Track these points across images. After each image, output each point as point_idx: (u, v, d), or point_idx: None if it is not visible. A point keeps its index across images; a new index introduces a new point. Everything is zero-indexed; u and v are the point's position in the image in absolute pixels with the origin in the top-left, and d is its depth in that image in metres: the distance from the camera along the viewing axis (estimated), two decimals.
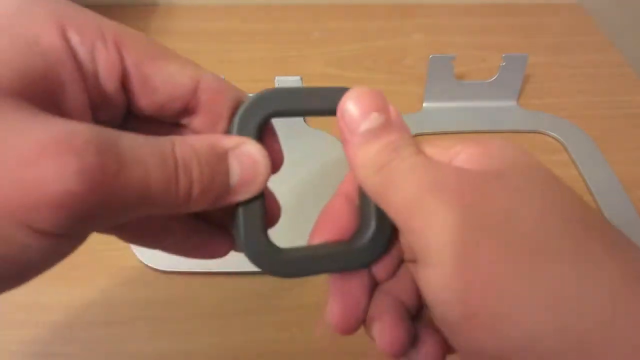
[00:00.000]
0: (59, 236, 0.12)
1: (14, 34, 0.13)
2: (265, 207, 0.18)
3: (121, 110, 0.16)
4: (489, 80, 0.50)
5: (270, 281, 0.37)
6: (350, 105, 0.16)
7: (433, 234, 0.14)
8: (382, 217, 0.17)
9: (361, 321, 0.19)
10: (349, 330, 0.18)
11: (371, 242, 0.18)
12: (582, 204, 0.15)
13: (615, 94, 0.53)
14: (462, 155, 0.16)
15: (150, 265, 0.37)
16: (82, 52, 0.14)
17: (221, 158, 0.15)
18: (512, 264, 0.13)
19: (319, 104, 0.18)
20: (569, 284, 0.13)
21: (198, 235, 0.20)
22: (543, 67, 0.55)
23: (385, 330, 0.18)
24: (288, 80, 0.47)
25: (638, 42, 0.63)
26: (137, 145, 0.13)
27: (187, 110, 0.17)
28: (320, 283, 0.37)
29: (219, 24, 0.62)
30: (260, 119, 0.17)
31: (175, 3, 0.65)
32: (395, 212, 0.15)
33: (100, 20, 0.15)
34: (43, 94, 0.13)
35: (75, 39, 0.14)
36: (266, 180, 0.16)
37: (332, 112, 0.17)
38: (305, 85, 0.47)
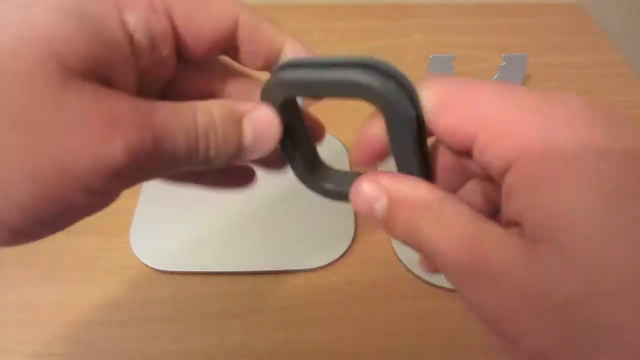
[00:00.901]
0: (103, 194, 0.15)
1: (80, 18, 0.14)
2: (307, 130, 0.20)
3: (173, 64, 0.17)
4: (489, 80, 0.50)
5: (271, 281, 0.37)
6: (356, 210, 0.17)
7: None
8: (424, 165, 0.17)
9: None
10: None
11: None
12: None
13: (615, 94, 0.53)
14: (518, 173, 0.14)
15: (150, 265, 0.37)
16: (139, 33, 0.15)
17: (237, 122, 0.17)
18: None
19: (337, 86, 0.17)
20: None
21: (227, 172, 0.21)
22: (543, 67, 0.55)
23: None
24: None
25: (638, 42, 0.63)
26: (168, 119, 0.15)
27: (230, 47, 0.18)
28: (320, 283, 0.37)
29: None
30: (280, 101, 0.18)
31: None
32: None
33: None
34: (101, 74, 0.14)
35: (132, 21, 0.15)
36: (276, 141, 0.18)
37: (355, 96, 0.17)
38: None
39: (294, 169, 0.20)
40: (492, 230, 0.14)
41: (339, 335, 0.34)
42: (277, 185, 0.43)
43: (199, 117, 0.16)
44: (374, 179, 0.17)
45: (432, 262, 0.15)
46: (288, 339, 0.34)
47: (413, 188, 0.16)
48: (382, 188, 0.16)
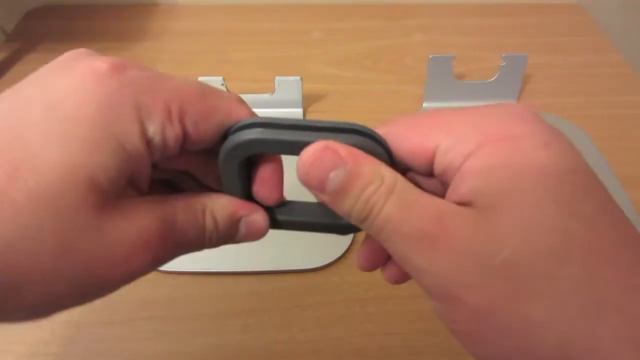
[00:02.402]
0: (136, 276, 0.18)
1: (108, 138, 0.15)
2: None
3: (175, 156, 0.19)
4: (489, 80, 0.50)
5: (271, 281, 0.37)
6: (305, 179, 0.17)
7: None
8: None
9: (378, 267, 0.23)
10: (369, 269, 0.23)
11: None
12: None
13: (615, 94, 0.53)
14: (479, 159, 0.16)
15: None
16: (155, 139, 0.17)
17: (234, 224, 0.20)
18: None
19: (299, 139, 0.17)
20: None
21: None
22: (543, 67, 0.55)
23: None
24: (288, 80, 0.47)
25: (638, 42, 0.63)
26: (185, 224, 0.18)
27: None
28: (320, 283, 0.37)
29: (219, 24, 0.62)
30: (237, 165, 0.18)
31: (175, 3, 0.65)
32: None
33: (167, 94, 0.17)
34: (127, 183, 0.17)
35: (150, 129, 0.16)
36: (261, 237, 0.21)
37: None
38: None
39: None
40: (450, 206, 0.16)
41: (339, 335, 0.34)
42: None
43: (207, 220, 0.19)
44: (332, 148, 0.16)
45: (376, 236, 0.17)
46: (288, 339, 0.34)
47: (374, 166, 0.17)
48: (341, 159, 0.16)
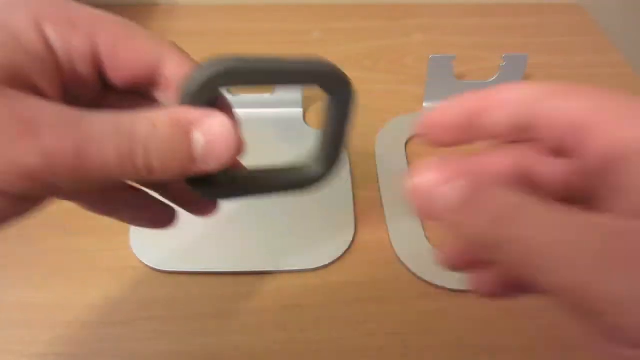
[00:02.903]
0: (20, 198, 0.15)
1: None
2: None
3: (96, 86, 0.18)
4: (489, 80, 0.50)
5: (270, 281, 0.37)
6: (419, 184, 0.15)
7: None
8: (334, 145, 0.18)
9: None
10: None
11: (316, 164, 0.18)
12: None
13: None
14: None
15: (150, 265, 0.37)
16: (58, 44, 0.16)
17: (184, 131, 0.15)
18: None
19: (282, 69, 0.17)
20: None
21: (149, 207, 0.21)
22: (543, 67, 0.55)
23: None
24: None
25: (638, 42, 0.63)
26: (96, 127, 0.14)
27: (156, 84, 0.18)
28: (320, 283, 0.37)
29: (219, 24, 0.62)
30: (208, 89, 0.16)
31: (176, 3, 0.65)
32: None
33: (73, 12, 0.16)
34: (23, 81, 0.15)
35: (51, 34, 0.16)
36: (234, 151, 0.16)
37: (299, 79, 0.17)
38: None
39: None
40: (609, 219, 0.13)
41: (339, 335, 0.34)
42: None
43: (139, 126, 0.15)
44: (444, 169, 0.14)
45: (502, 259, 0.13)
46: (288, 339, 0.34)
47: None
48: (454, 174, 0.14)
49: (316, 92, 0.55)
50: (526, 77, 0.53)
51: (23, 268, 0.37)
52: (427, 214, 0.14)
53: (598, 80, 0.55)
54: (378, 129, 0.48)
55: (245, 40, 0.60)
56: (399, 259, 0.38)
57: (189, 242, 0.38)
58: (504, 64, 0.48)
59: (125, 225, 0.38)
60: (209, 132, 0.16)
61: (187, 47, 0.63)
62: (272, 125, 0.49)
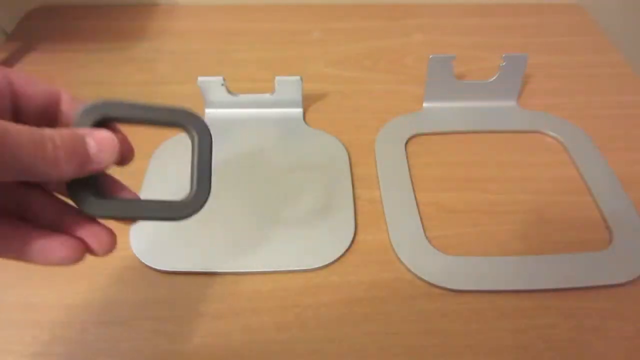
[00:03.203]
0: None
1: None
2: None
3: (9, 116, 0.22)
4: (489, 80, 0.50)
5: (271, 281, 0.37)
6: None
7: None
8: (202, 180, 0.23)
9: None
10: None
11: (192, 201, 0.23)
12: None
13: (615, 94, 0.53)
14: None
15: (150, 265, 0.37)
16: None
17: (80, 138, 0.20)
18: None
19: (152, 116, 0.22)
20: None
21: (35, 240, 0.22)
22: (543, 67, 0.55)
23: None
24: (288, 80, 0.47)
25: (638, 42, 0.63)
26: (14, 126, 0.18)
27: (56, 117, 0.23)
28: (320, 283, 0.37)
29: (219, 24, 0.62)
30: (95, 119, 0.21)
31: (175, 3, 0.65)
32: None
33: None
34: None
35: None
36: (117, 151, 0.21)
37: (167, 124, 0.23)
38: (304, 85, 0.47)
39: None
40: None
41: (339, 335, 0.34)
42: (277, 185, 0.43)
43: (47, 130, 0.19)
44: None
45: None
46: (288, 339, 0.34)
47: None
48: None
49: (315, 92, 0.55)
50: (526, 77, 0.53)
51: (23, 268, 0.36)
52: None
53: (598, 80, 0.55)
54: (378, 129, 0.48)
55: (245, 40, 0.60)
56: (399, 259, 0.38)
57: (189, 242, 0.39)
58: (504, 64, 0.48)
59: (126, 225, 0.39)
60: (98, 137, 0.21)
61: (187, 47, 0.63)
62: (272, 125, 0.49)
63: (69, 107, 0.23)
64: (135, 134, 0.24)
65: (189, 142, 0.23)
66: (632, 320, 0.35)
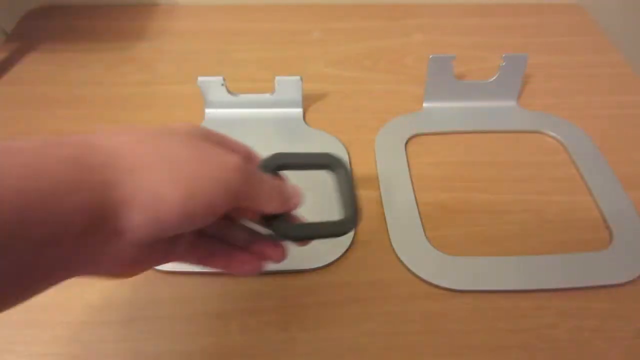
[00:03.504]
0: (227, 196, 0.22)
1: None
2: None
3: None
4: (489, 80, 0.50)
5: (271, 281, 0.37)
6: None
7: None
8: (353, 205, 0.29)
9: None
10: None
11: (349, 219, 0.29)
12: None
13: (615, 94, 0.53)
14: None
15: None
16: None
17: (283, 185, 0.26)
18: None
19: (309, 162, 0.29)
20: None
21: (235, 256, 0.28)
22: (543, 67, 0.55)
23: None
24: (288, 80, 0.47)
25: (638, 42, 0.63)
26: (258, 177, 0.24)
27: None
28: (320, 283, 0.37)
29: (219, 24, 0.62)
30: (274, 166, 0.28)
31: (175, 3, 0.65)
32: None
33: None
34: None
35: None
36: (301, 199, 0.27)
37: (319, 167, 0.29)
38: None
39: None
40: None
41: (339, 335, 0.34)
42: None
43: (273, 179, 0.26)
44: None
45: None
46: (288, 339, 0.34)
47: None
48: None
49: (315, 92, 0.55)
50: (526, 77, 0.53)
51: None
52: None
53: (598, 80, 0.55)
54: (378, 129, 0.48)
55: (245, 40, 0.60)
56: (399, 259, 0.38)
57: None
58: (504, 64, 0.48)
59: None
60: (292, 186, 0.27)
61: (187, 46, 0.63)
62: (273, 125, 0.49)
63: (256, 160, 0.28)
64: None
65: None
66: (632, 320, 0.35)
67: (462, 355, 0.33)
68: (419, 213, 0.41)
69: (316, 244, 0.39)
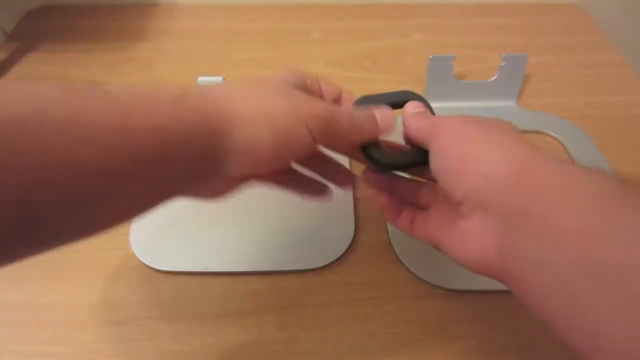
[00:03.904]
0: (312, 139, 0.25)
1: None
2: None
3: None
4: (489, 80, 0.50)
5: (271, 281, 0.37)
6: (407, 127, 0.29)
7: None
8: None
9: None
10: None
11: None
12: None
13: (615, 94, 0.53)
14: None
15: (150, 265, 0.37)
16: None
17: (372, 114, 0.29)
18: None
19: (392, 100, 0.31)
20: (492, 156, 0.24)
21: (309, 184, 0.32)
22: (543, 67, 0.55)
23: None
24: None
25: (638, 42, 0.63)
26: (340, 114, 0.27)
27: (340, 103, 0.33)
28: (320, 283, 0.37)
29: (219, 24, 0.62)
30: (365, 106, 0.30)
31: (175, 3, 0.65)
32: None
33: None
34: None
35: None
36: (393, 124, 0.29)
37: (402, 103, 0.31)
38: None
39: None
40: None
41: (339, 335, 0.34)
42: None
43: (355, 112, 0.28)
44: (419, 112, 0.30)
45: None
46: (288, 339, 0.34)
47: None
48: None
49: None
50: (526, 77, 0.53)
51: (23, 268, 0.36)
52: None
53: (598, 80, 0.55)
54: None
55: (245, 40, 0.60)
56: (399, 259, 0.38)
57: (189, 243, 0.39)
58: (504, 64, 0.48)
59: (125, 225, 0.39)
60: (381, 112, 0.29)
61: (187, 46, 0.63)
62: None
63: (347, 98, 0.32)
64: None
65: None
66: None
67: (461, 355, 0.33)
68: None
69: (316, 244, 0.39)
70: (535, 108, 0.51)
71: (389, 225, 0.40)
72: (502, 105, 0.51)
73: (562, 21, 0.64)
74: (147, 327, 0.34)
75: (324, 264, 0.38)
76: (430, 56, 0.48)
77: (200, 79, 0.47)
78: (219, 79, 0.47)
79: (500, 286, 0.37)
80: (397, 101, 0.32)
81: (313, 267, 0.37)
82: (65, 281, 0.36)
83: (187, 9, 0.64)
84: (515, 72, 0.49)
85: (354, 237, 0.39)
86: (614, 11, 0.66)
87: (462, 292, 0.36)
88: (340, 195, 0.42)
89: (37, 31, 0.60)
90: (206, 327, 0.34)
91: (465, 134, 0.26)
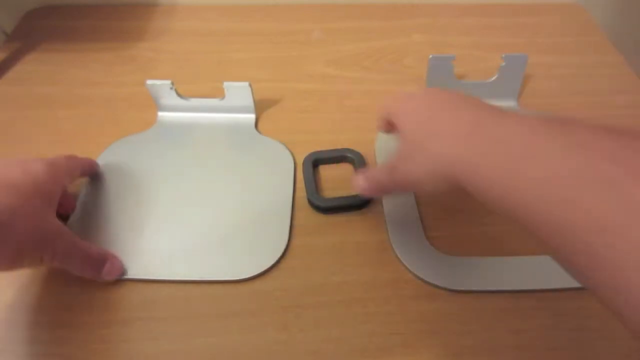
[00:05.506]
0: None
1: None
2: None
3: None
4: (489, 80, 0.50)
5: (270, 281, 0.37)
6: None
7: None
8: None
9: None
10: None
11: None
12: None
13: (615, 94, 0.53)
14: None
15: (140, 277, 0.37)
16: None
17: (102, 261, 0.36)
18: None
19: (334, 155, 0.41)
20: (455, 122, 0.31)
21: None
22: (543, 67, 0.55)
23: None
24: (236, 86, 0.46)
25: (638, 42, 0.63)
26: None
27: None
28: (320, 283, 0.37)
29: (219, 24, 0.62)
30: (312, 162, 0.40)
31: (175, 3, 0.65)
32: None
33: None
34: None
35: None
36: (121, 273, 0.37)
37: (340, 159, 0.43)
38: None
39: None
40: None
41: (339, 335, 0.34)
42: (228, 191, 0.43)
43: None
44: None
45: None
46: (288, 339, 0.34)
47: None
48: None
49: (315, 92, 0.55)
50: (526, 77, 0.53)
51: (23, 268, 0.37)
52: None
53: (598, 80, 0.55)
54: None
55: (245, 40, 0.60)
56: (399, 259, 0.38)
57: (177, 249, 0.38)
58: (504, 64, 0.48)
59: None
60: (112, 264, 0.36)
61: (187, 47, 0.63)
62: (223, 131, 0.47)
63: None
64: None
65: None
66: None
67: (461, 355, 0.33)
68: (419, 213, 0.41)
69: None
70: (535, 108, 0.51)
71: (389, 225, 0.40)
72: (502, 105, 0.50)
73: (562, 21, 0.64)
74: (146, 327, 0.34)
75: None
76: (430, 56, 0.48)
77: (149, 82, 0.45)
78: (168, 82, 0.45)
79: (500, 286, 0.37)
80: (338, 156, 0.41)
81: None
82: (64, 281, 0.36)
83: (187, 9, 0.64)
84: (515, 72, 0.49)
85: (353, 237, 0.39)
86: (614, 11, 0.66)
87: (462, 292, 0.36)
88: (280, 201, 0.41)
89: (37, 31, 0.60)
90: (206, 327, 0.34)
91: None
